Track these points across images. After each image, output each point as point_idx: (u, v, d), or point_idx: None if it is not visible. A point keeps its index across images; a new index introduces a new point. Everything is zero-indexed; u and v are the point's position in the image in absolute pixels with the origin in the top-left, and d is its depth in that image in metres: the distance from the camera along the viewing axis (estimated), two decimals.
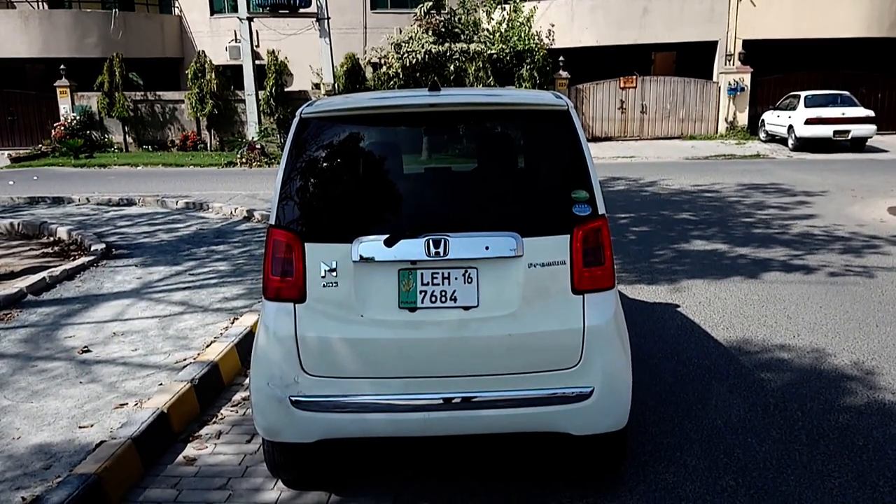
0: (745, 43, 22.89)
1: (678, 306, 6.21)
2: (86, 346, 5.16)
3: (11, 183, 16.07)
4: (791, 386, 4.56)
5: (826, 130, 18.68)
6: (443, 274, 3.05)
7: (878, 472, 3.53)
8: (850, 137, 18.67)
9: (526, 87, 21.37)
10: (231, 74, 23.46)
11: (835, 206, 10.96)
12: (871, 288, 6.65)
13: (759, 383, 4.61)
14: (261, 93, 21.41)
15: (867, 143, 19.20)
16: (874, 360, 4.94)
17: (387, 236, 3.02)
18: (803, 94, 19.77)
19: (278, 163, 3.26)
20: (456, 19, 22.27)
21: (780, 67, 23.14)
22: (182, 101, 23.01)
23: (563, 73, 22.52)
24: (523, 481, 3.52)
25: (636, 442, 3.81)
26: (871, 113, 19.00)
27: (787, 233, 9.13)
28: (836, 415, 4.16)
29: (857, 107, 19.20)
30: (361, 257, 3.03)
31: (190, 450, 3.88)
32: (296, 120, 3.30)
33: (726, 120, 23.05)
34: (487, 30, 22.60)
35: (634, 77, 23.34)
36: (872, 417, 4.12)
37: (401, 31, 22.07)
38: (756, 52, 22.72)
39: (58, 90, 22.94)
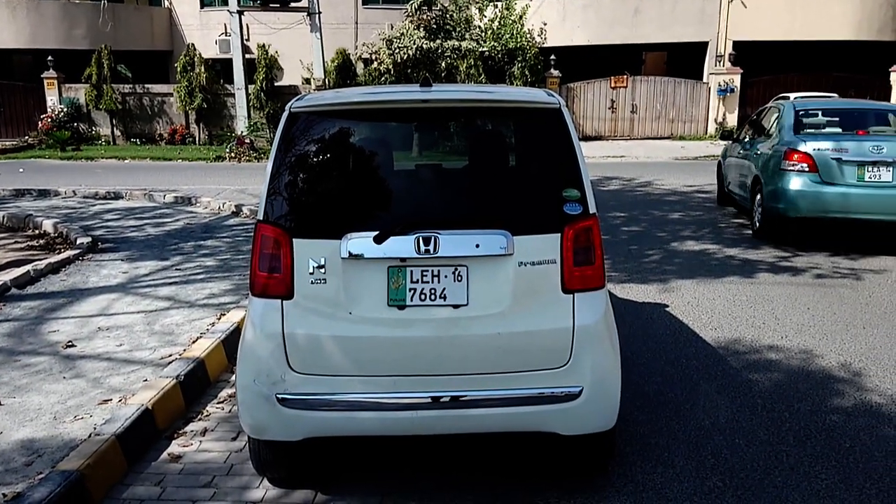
0: (736, 44, 23.01)
1: (667, 306, 6.22)
2: (70, 341, 5.10)
3: None
4: (779, 387, 4.57)
5: None
6: (433, 272, 3.02)
7: (865, 475, 3.54)
8: None
9: (517, 86, 21.36)
10: (221, 68, 23.31)
11: None
12: (858, 290, 6.69)
13: (747, 384, 4.62)
14: (251, 87, 21.28)
15: None
16: (861, 362, 4.97)
17: (376, 233, 2.99)
18: (793, 96, 19.87)
19: (268, 158, 3.22)
20: (448, 16, 22.21)
21: (770, 69, 23.27)
22: (171, 95, 22.85)
23: (555, 72, 22.53)
24: (511, 480, 3.51)
25: (624, 442, 3.80)
26: None
27: None
28: (824, 416, 4.17)
29: None
30: (350, 254, 3.00)
31: (175, 447, 3.84)
32: (285, 114, 3.26)
33: (716, 121, 23.15)
34: (479, 27, 22.56)
35: (625, 77, 23.39)
36: (860, 419, 4.13)
37: (392, 27, 21.99)
38: (746, 54, 22.84)
39: (45, 82, 22.71)
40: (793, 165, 8.11)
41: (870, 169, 7.87)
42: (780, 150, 8.42)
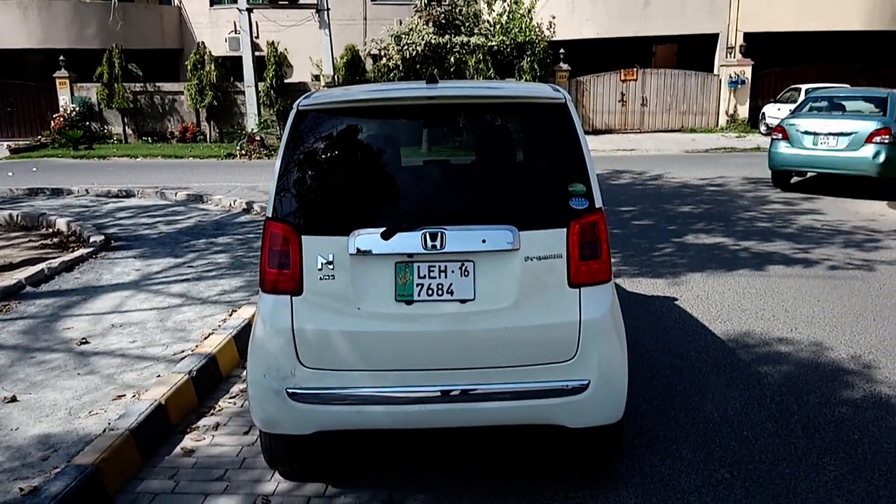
0: (746, 35, 22.82)
1: (677, 300, 6.22)
2: (84, 338, 5.17)
3: (10, 174, 16.05)
4: (788, 379, 4.57)
5: None
6: (440, 267, 3.05)
7: (874, 466, 3.55)
8: None
9: (526, 80, 21.31)
10: (231, 66, 23.38)
11: (836, 200, 10.95)
12: (869, 282, 6.66)
13: (756, 376, 4.63)
14: (260, 84, 21.35)
15: None
16: (872, 354, 4.95)
17: (384, 229, 3.02)
18: (804, 87, 19.71)
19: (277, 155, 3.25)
20: (457, 11, 22.18)
21: (780, 60, 23.07)
22: (181, 93, 22.95)
23: (564, 66, 22.46)
24: (520, 472, 3.54)
25: (632, 434, 3.82)
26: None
27: (788, 227, 9.12)
28: (833, 408, 4.17)
29: None
30: (358, 250, 3.03)
31: (188, 441, 3.90)
32: (293, 112, 3.29)
33: (727, 113, 23.00)
34: (488, 21, 22.52)
35: (635, 69, 23.28)
36: (869, 411, 4.13)
37: (401, 23, 21.99)
38: (757, 45, 22.66)
39: (57, 81, 22.86)
40: (776, 136, 11.94)
41: (822, 138, 11.18)
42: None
